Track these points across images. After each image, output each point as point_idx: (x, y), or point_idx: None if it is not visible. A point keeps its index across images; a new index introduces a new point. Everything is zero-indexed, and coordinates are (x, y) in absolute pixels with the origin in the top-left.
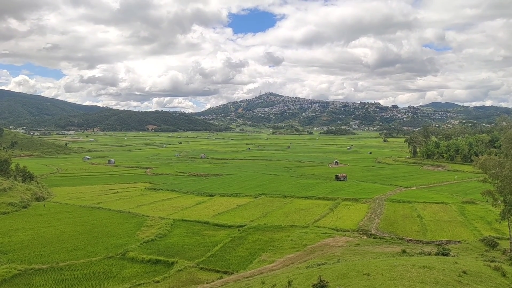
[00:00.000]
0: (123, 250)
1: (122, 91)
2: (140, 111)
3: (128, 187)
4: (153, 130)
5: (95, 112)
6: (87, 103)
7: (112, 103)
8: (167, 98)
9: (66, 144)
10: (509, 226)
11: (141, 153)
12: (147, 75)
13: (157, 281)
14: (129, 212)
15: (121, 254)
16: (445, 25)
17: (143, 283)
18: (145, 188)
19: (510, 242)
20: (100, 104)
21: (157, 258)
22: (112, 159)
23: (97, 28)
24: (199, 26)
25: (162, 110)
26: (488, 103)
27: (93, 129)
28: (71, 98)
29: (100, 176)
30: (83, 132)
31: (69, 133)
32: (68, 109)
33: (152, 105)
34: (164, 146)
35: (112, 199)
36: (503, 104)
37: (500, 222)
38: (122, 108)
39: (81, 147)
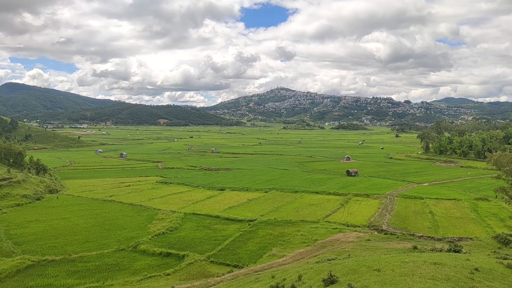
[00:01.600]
0: (135, 243)
1: (134, 85)
2: (152, 105)
3: (139, 181)
4: (164, 124)
5: (108, 105)
6: (99, 96)
7: (124, 97)
8: (179, 92)
9: (79, 137)
10: None
11: (152, 147)
12: (159, 69)
13: (168, 274)
14: (140, 205)
15: (133, 247)
16: (460, 19)
17: (154, 276)
18: (156, 182)
19: None
20: (112, 98)
21: (168, 251)
22: (124, 153)
23: (110, 22)
24: (211, 20)
25: (173, 104)
26: (502, 98)
27: (105, 123)
28: (84, 92)
29: (112, 169)
30: (95, 125)
31: (82, 126)
32: (81, 102)
33: (163, 99)
34: (175, 140)
35: (124, 192)
36: None
37: None
38: (134, 102)
39: (94, 141)
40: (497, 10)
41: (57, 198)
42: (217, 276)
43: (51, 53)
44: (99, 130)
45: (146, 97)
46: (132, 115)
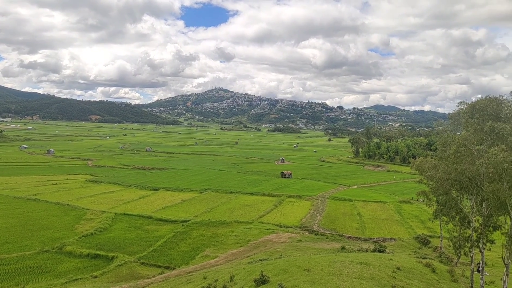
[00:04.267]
0: (60, 244)
1: (65, 79)
2: (84, 100)
3: (67, 179)
4: (96, 121)
5: (35, 99)
6: (26, 89)
7: (53, 91)
8: (113, 88)
9: (1, 132)
10: (440, 225)
11: (83, 144)
12: (92, 63)
13: (96, 276)
14: (68, 204)
15: (58, 248)
16: (390, 31)
17: (81, 278)
18: (86, 180)
19: (441, 240)
20: (40, 91)
21: (96, 253)
22: (51, 149)
23: (41, 11)
24: (150, 16)
25: (107, 100)
26: (426, 108)
27: (32, 117)
28: (8, 83)
29: (38, 166)
30: (20, 119)
31: (5, 120)
32: (5, 94)
33: (96, 95)
34: (107, 137)
35: (50, 191)
36: (440, 110)
37: (432, 221)
38: (64, 96)
39: (18, 135)
40: (424, 25)
41: None
42: (147, 278)
43: None
44: (25, 124)
45: (78, 92)
46: (61, 110)
